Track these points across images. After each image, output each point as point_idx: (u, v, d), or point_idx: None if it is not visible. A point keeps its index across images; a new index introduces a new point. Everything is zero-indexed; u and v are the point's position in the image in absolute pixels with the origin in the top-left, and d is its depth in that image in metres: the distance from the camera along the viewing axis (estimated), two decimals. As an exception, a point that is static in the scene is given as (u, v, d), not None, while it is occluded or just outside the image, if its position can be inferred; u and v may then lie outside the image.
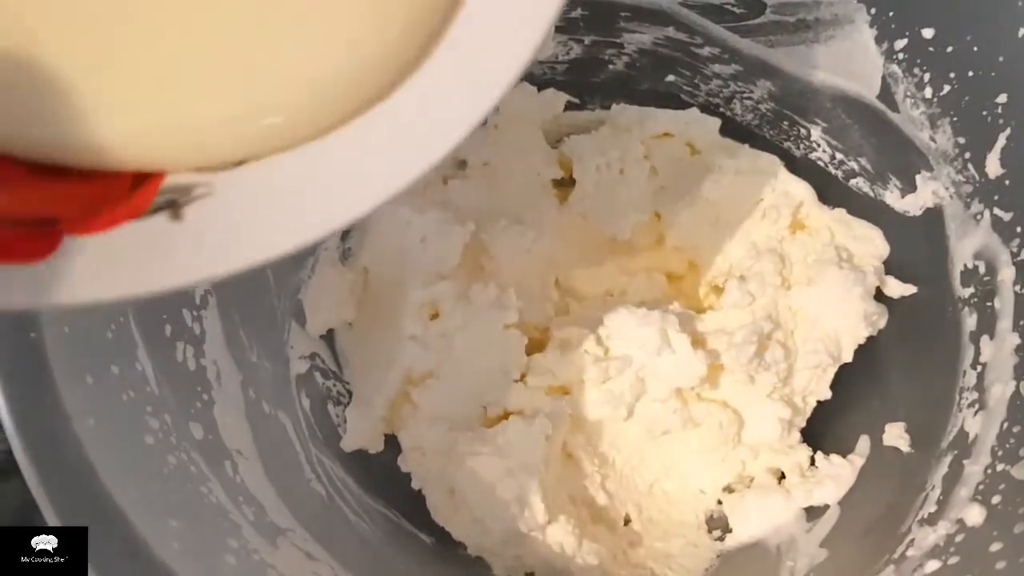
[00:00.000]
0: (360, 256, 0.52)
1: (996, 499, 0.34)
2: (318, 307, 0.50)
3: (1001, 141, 0.39)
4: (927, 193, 0.44)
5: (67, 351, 0.30)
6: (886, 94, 0.44)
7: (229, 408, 0.39)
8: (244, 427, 0.40)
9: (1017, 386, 0.37)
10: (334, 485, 0.44)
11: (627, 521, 0.46)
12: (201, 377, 0.39)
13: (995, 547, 0.32)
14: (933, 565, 0.34)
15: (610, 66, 0.53)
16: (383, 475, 0.47)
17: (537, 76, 0.53)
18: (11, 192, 0.20)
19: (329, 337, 0.50)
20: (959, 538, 0.34)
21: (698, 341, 0.46)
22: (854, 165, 0.48)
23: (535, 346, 0.48)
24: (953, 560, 0.34)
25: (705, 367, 0.45)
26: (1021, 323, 0.38)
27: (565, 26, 0.49)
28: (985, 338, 0.40)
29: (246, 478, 0.37)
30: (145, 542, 0.28)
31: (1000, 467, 0.35)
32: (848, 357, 0.47)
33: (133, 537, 0.28)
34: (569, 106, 0.55)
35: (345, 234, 0.53)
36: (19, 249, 0.20)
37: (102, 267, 0.20)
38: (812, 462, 0.46)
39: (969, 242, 0.42)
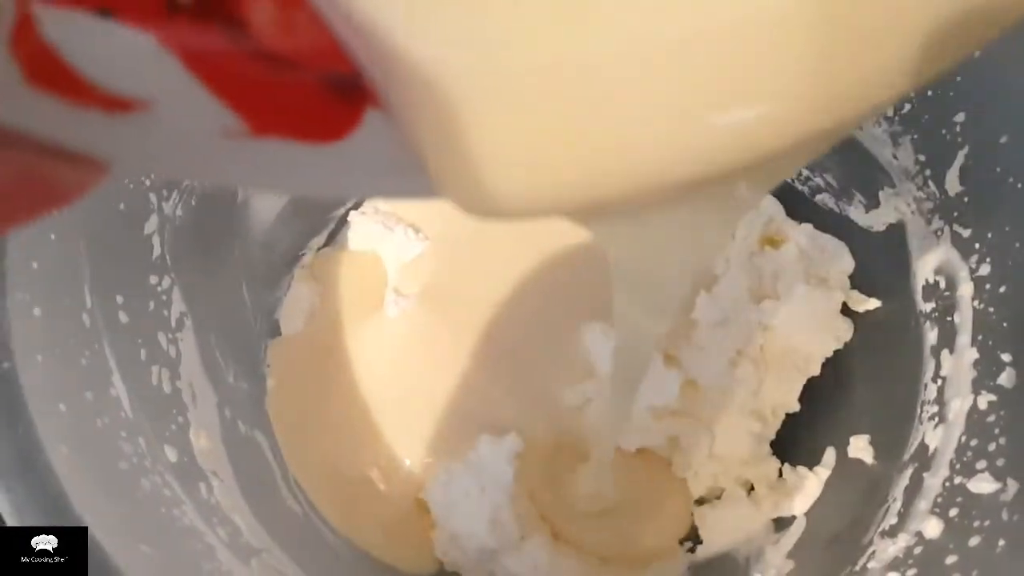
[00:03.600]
0: (336, 274, 0.52)
1: (953, 512, 0.35)
2: (295, 324, 0.50)
3: (960, 159, 0.40)
4: (890, 209, 0.45)
5: (40, 379, 0.31)
6: (849, 112, 0.45)
7: (204, 429, 0.40)
8: (219, 448, 0.40)
9: (975, 400, 0.37)
10: (310, 503, 0.45)
11: (600, 534, 0.47)
12: (176, 400, 0.39)
13: (950, 560, 0.33)
14: (891, 577, 0.35)
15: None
16: (360, 492, 0.47)
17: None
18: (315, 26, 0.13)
19: (306, 355, 0.51)
20: (917, 551, 0.35)
21: (670, 357, 0.47)
22: (820, 181, 0.49)
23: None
24: (911, 572, 0.34)
25: (678, 385, 0.46)
26: (979, 338, 0.39)
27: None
28: (945, 352, 0.40)
29: (221, 499, 0.38)
30: (117, 569, 0.29)
31: (958, 480, 0.36)
32: (816, 370, 0.47)
33: (105, 564, 0.29)
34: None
35: (320, 251, 0.54)
36: (311, 121, 0.14)
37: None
38: (780, 474, 0.47)
39: (930, 257, 0.43)
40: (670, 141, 0.14)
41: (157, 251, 0.40)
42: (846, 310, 0.48)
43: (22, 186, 0.14)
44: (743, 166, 0.14)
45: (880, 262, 0.47)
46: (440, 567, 0.45)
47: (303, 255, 0.53)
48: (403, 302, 0.50)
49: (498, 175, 0.14)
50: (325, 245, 0.54)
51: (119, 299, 0.37)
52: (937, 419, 0.39)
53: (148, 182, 0.39)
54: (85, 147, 0.14)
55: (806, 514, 0.44)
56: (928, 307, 0.42)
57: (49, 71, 0.13)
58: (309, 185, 0.17)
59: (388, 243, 0.52)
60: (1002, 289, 0.38)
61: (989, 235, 0.39)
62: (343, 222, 0.54)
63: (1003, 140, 0.38)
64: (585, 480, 0.45)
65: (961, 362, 0.39)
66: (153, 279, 0.40)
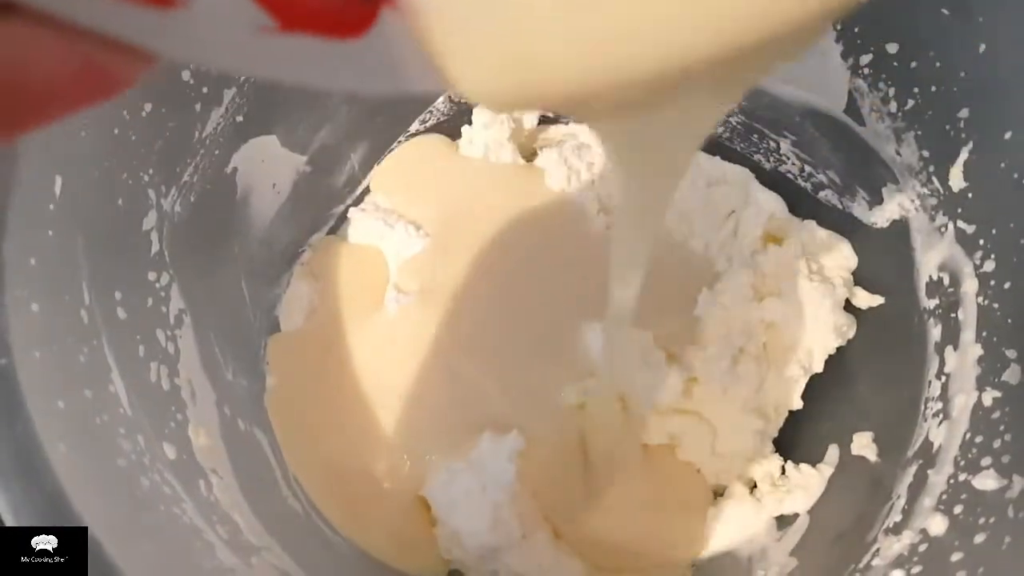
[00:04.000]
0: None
1: (958, 509, 0.35)
2: (294, 321, 0.50)
3: (963, 155, 0.40)
4: (893, 205, 0.45)
5: (39, 376, 0.30)
6: (852, 108, 0.45)
7: (203, 427, 0.39)
8: (219, 445, 0.40)
9: (979, 397, 0.37)
10: (310, 501, 0.44)
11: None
12: (175, 397, 0.39)
13: (956, 557, 0.33)
14: (897, 575, 0.34)
15: (583, 80, 0.54)
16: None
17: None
18: None
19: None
20: (922, 548, 0.35)
21: (672, 356, 0.47)
22: (823, 178, 0.49)
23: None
24: (916, 570, 0.34)
25: (681, 383, 0.46)
26: (983, 334, 0.39)
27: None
28: (949, 349, 0.40)
29: (220, 497, 0.37)
30: (117, 567, 0.28)
31: (962, 477, 0.36)
32: (819, 368, 0.47)
33: (105, 562, 0.28)
34: (542, 120, 0.56)
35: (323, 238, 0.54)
36: (332, 19, 0.17)
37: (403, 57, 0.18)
38: (783, 471, 0.46)
39: (934, 254, 0.43)
40: (649, 32, 0.16)
41: (156, 247, 0.40)
42: (849, 307, 0.48)
43: (81, 75, 0.17)
44: (716, 58, 0.16)
45: (883, 259, 0.46)
46: (449, 569, 0.45)
47: (303, 252, 0.52)
48: (403, 299, 0.49)
49: (504, 67, 0.17)
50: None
51: (117, 295, 0.36)
52: (941, 416, 0.39)
53: (146, 178, 0.39)
54: (133, 39, 0.16)
55: (809, 512, 0.44)
56: (932, 304, 0.42)
57: None
58: (331, 78, 0.19)
59: (389, 240, 0.51)
60: (1007, 285, 0.38)
61: (993, 231, 0.39)
62: (343, 219, 0.54)
63: (1007, 136, 0.38)
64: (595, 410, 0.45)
65: (965, 359, 0.39)
66: (152, 275, 0.39)
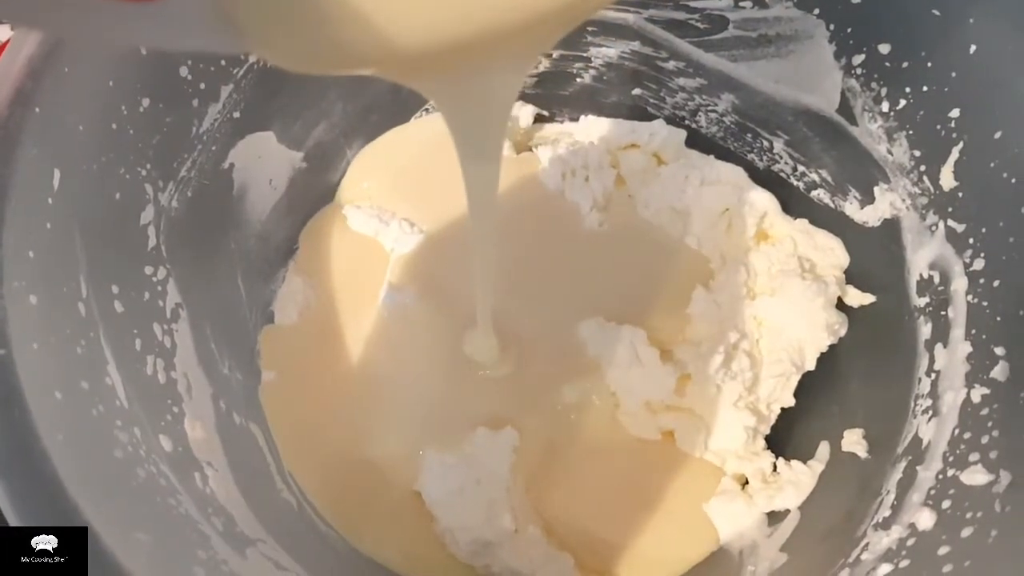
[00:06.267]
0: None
1: (946, 504, 0.35)
2: (289, 316, 0.50)
3: (954, 154, 0.41)
4: (885, 204, 0.46)
5: (36, 367, 0.30)
6: (845, 108, 0.46)
7: (199, 420, 0.39)
8: (214, 439, 0.40)
9: (968, 393, 0.38)
10: (304, 495, 0.45)
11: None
12: (171, 390, 0.39)
13: (943, 551, 0.33)
14: (885, 568, 0.35)
15: (578, 79, 0.54)
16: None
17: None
18: None
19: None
20: (910, 542, 0.35)
21: (666, 353, 0.47)
22: (815, 177, 0.50)
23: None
24: (904, 563, 0.34)
25: (674, 380, 0.46)
26: (973, 332, 0.39)
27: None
28: (939, 346, 0.41)
29: (216, 489, 0.37)
30: (113, 556, 0.28)
31: (951, 472, 0.36)
32: (811, 365, 0.48)
33: (101, 551, 0.29)
34: (538, 119, 0.57)
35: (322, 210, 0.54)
36: None
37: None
38: (774, 468, 0.47)
39: (924, 252, 0.43)
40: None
41: (152, 242, 0.40)
42: (841, 305, 0.48)
43: None
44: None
45: (875, 257, 0.47)
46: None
47: (297, 248, 0.53)
48: (398, 295, 0.50)
49: (313, 33, 0.18)
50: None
51: (115, 289, 0.37)
52: (931, 412, 0.39)
53: (144, 172, 0.39)
54: None
55: (800, 508, 0.44)
56: (922, 302, 0.43)
57: None
58: (136, 37, 0.21)
59: (384, 236, 0.52)
60: (996, 283, 0.38)
61: (983, 230, 0.39)
62: (339, 215, 0.54)
63: (997, 136, 0.38)
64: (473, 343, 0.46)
65: (955, 356, 0.39)
66: (148, 270, 0.40)
